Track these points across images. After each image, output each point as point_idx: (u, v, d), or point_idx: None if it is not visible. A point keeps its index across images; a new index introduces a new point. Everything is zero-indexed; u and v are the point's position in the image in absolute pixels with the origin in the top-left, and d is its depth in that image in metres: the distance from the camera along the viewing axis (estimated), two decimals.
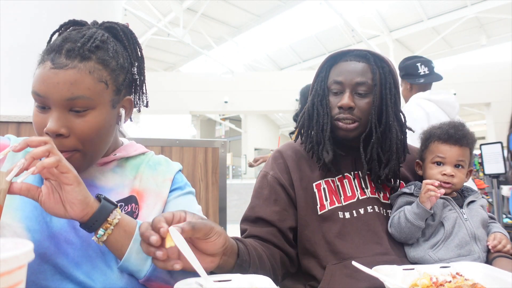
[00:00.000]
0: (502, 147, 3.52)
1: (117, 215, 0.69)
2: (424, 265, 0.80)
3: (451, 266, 0.80)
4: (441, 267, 0.79)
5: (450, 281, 0.73)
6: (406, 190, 1.04)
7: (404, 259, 0.97)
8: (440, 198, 1.00)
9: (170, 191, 0.91)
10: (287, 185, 1.05)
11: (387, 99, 1.02)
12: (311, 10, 10.72)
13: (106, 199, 0.69)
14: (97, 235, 0.68)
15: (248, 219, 1.05)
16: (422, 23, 11.07)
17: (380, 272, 0.74)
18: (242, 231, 1.05)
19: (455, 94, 10.06)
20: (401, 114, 1.06)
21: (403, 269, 0.78)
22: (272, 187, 1.05)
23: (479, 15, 10.34)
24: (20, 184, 0.63)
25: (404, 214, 0.97)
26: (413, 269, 0.78)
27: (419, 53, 12.47)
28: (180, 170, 0.97)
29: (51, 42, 0.78)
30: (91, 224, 0.67)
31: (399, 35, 11.85)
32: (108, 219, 0.68)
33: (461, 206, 1.02)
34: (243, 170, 15.41)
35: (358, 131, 1.02)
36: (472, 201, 1.04)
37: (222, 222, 1.88)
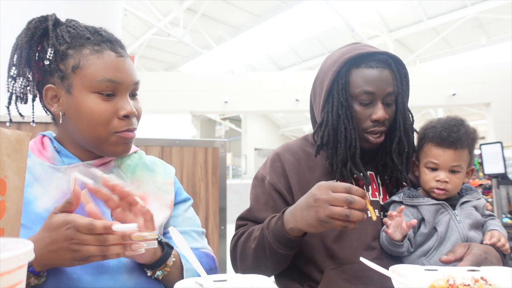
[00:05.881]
0: (502, 147, 3.52)
1: (172, 257, 0.76)
2: (450, 267, 0.78)
3: (481, 270, 0.76)
4: (468, 270, 0.76)
5: (468, 285, 0.70)
6: (395, 198, 1.00)
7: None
8: (433, 204, 0.97)
9: (176, 204, 0.92)
10: (283, 190, 1.04)
11: (404, 103, 1.01)
12: (311, 10, 10.71)
13: (167, 244, 0.75)
14: (155, 275, 0.75)
15: (246, 218, 1.06)
16: (422, 23, 11.06)
17: (396, 272, 0.73)
18: (239, 225, 1.06)
19: (454, 94, 10.05)
20: (409, 113, 1.04)
21: (425, 269, 0.76)
22: (269, 193, 1.04)
23: (479, 15, 10.33)
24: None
25: (383, 237, 0.95)
26: (436, 270, 0.76)
27: (419, 53, 12.47)
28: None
29: (76, 32, 0.78)
30: (152, 267, 0.74)
31: (399, 35, 11.84)
32: (167, 262, 0.75)
33: (454, 207, 0.98)
34: (243, 170, 15.40)
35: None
36: (466, 202, 0.99)
37: (222, 222, 1.88)
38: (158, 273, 0.74)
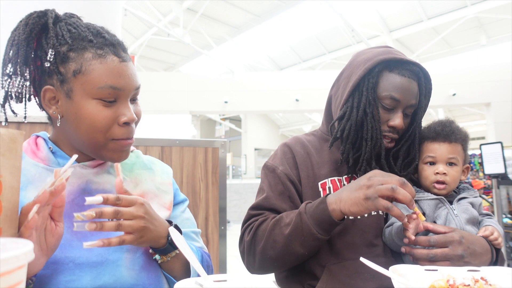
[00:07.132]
0: (502, 147, 3.52)
1: (173, 253, 0.79)
2: (450, 267, 0.78)
3: (481, 270, 0.76)
4: (468, 270, 0.76)
5: (468, 285, 0.70)
6: None
7: (400, 263, 0.97)
8: (433, 199, 1.00)
9: (174, 205, 0.92)
10: (296, 181, 1.04)
11: (421, 117, 1.04)
12: (311, 10, 10.71)
13: (171, 243, 0.77)
14: (154, 257, 0.80)
15: (262, 207, 1.03)
16: (422, 23, 11.06)
17: (396, 272, 0.73)
18: (254, 215, 1.03)
19: (455, 94, 10.05)
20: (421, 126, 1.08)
21: (425, 270, 0.76)
22: (284, 183, 1.04)
23: (479, 15, 10.33)
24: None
25: (392, 232, 0.96)
26: (436, 270, 0.76)
27: (419, 53, 12.47)
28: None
29: (77, 32, 0.74)
30: (154, 251, 0.78)
31: (399, 35, 11.84)
32: (167, 255, 0.79)
33: (452, 203, 1.01)
34: (243, 170, 15.40)
35: None
36: (463, 198, 1.02)
37: (222, 222, 1.88)
38: (157, 256, 0.79)
